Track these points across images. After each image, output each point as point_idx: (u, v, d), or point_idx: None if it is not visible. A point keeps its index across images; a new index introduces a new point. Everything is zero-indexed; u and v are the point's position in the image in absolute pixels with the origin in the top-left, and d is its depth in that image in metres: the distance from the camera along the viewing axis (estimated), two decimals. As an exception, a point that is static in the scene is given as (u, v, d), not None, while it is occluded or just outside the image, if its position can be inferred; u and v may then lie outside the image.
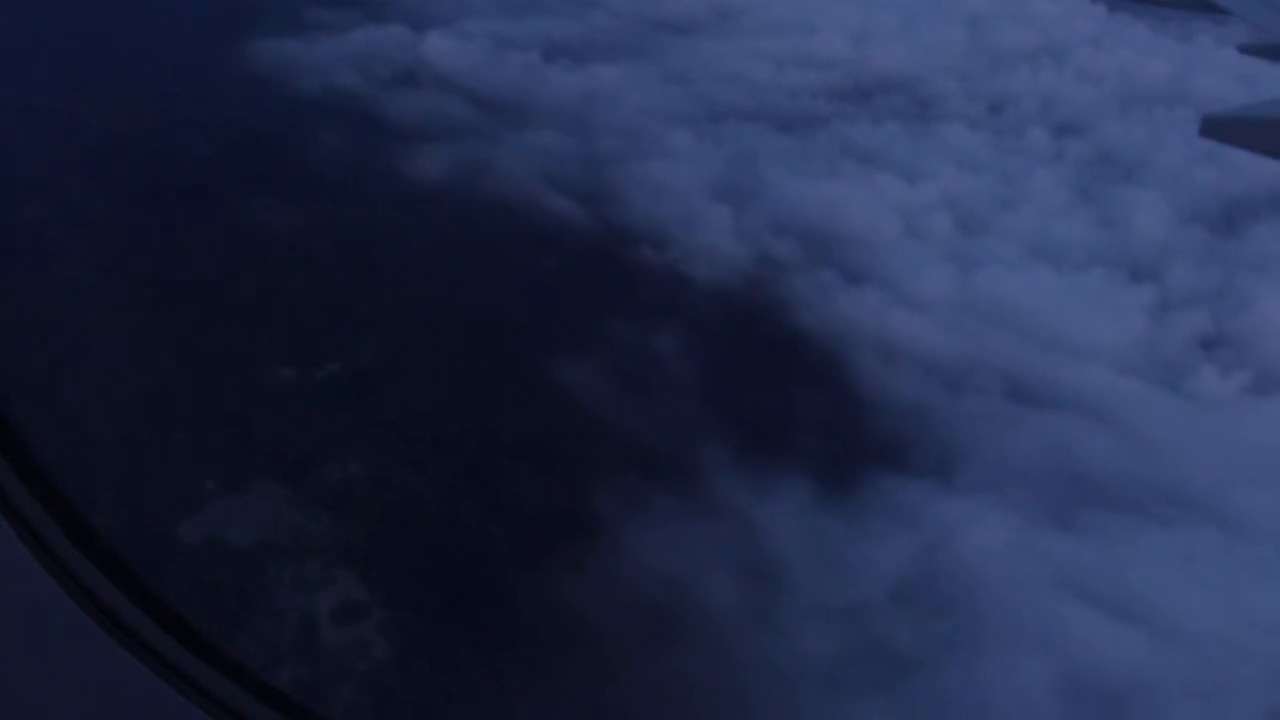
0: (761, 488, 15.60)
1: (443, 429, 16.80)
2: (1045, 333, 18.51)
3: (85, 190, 20.85)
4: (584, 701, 12.85)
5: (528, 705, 13.01)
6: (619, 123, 25.13)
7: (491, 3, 29.62)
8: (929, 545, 14.64)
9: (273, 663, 13.37)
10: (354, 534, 15.25)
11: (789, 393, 17.53)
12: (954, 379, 17.73)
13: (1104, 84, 26.55)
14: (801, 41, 28.56)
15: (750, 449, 16.26)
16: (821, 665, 12.99)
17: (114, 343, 17.39)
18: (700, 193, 22.29)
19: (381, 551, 14.95)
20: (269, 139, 23.80)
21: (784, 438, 16.60)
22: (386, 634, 13.83)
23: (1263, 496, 15.41)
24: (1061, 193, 22.34)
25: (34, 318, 17.56)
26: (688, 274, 20.02)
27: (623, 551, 14.54)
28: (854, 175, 22.73)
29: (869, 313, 18.88)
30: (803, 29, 29.40)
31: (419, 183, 22.82)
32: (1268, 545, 14.66)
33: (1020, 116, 25.54)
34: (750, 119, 25.53)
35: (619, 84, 26.56)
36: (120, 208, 20.71)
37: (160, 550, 14.39)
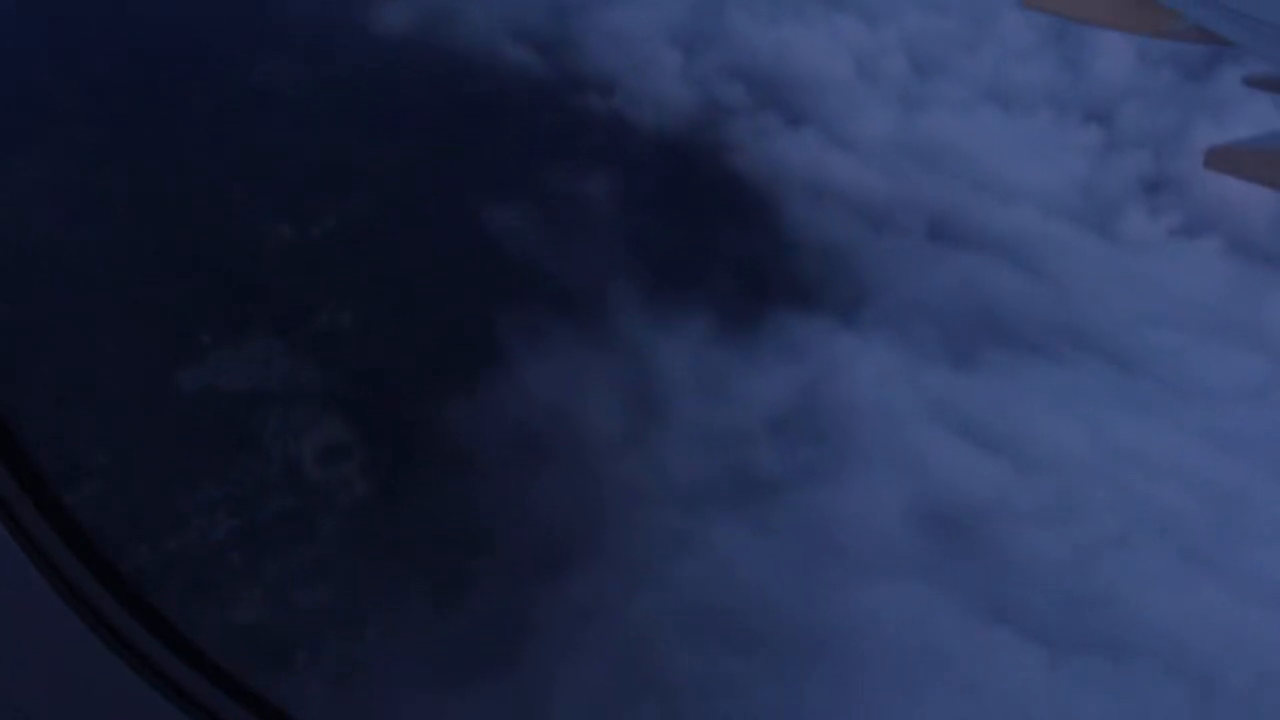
0: (664, 323, 15.90)
1: (401, 281, 17.42)
2: (979, 174, 18.15)
3: (56, 52, 21.34)
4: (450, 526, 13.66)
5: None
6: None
7: None
8: (815, 378, 14.87)
9: (262, 496, 14.44)
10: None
11: (709, 233, 17.62)
12: (878, 219, 17.60)
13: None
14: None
15: (661, 287, 16.51)
16: (682, 487, 13.46)
17: (108, 202, 18.11)
18: (657, 39, 22.01)
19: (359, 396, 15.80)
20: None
21: (696, 276, 16.78)
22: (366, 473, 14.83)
23: (1163, 337, 15.22)
24: (1029, 35, 21.50)
25: (26, 179, 18.30)
26: (629, 119, 19.97)
27: (515, 383, 15.08)
28: (816, 19, 22.16)
29: (803, 155, 18.70)
30: None
31: (385, 36, 22.94)
32: (1156, 382, 14.56)
33: (1005, -43, 24.41)
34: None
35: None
36: (92, 70, 21.18)
37: (159, 400, 15.37)
